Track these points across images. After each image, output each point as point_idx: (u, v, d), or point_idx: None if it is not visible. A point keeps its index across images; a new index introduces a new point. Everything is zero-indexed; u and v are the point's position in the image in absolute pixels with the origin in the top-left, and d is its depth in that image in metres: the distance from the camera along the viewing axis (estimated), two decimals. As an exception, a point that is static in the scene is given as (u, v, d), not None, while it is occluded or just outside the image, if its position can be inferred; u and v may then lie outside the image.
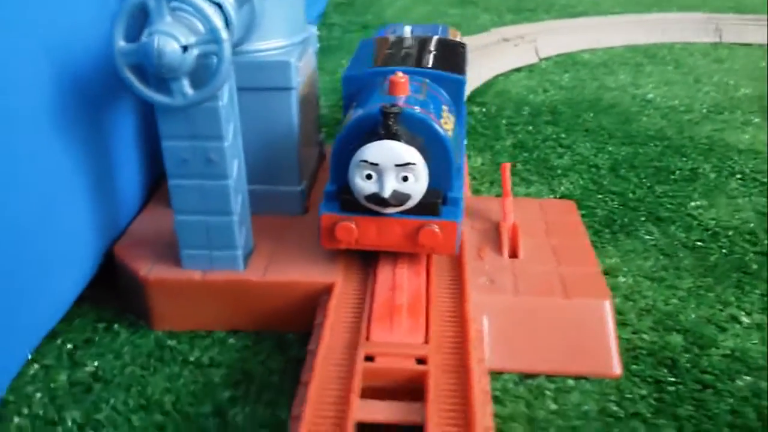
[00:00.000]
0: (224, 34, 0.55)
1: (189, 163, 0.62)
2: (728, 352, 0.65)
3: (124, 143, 0.74)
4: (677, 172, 1.00)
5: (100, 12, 0.67)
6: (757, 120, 1.19)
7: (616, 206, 0.90)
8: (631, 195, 0.93)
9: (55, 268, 0.63)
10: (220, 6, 0.60)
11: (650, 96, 1.30)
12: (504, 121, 1.17)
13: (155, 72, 0.55)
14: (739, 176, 0.99)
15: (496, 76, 1.40)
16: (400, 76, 0.63)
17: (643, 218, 0.87)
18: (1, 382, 0.58)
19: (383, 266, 0.66)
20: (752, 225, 0.86)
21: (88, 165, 0.66)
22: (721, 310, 0.70)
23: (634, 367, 0.63)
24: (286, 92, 0.71)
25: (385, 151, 0.59)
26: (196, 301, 0.66)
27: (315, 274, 0.66)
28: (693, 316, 0.69)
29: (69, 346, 0.65)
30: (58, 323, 0.67)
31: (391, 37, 0.79)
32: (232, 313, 0.67)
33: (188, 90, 0.57)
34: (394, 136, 0.58)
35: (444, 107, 0.66)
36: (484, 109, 1.23)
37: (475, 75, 1.39)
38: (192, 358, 0.64)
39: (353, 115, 0.63)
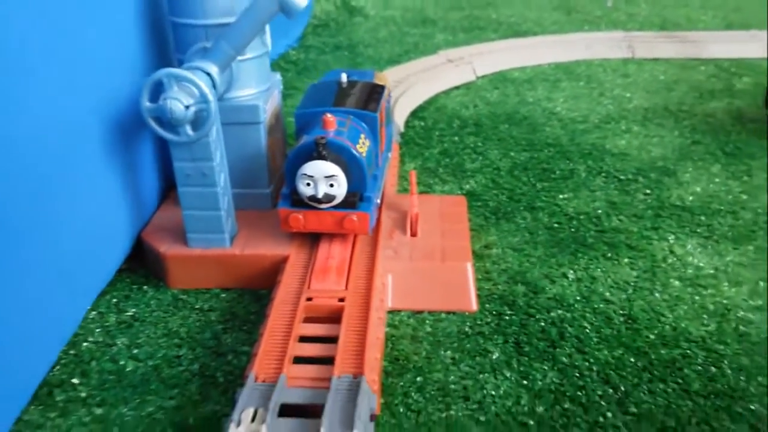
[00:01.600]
0: (211, 97, 0.87)
1: (191, 177, 0.94)
2: (551, 296, 0.97)
3: (148, 163, 1.06)
4: (558, 172, 1.32)
5: (132, 76, 0.99)
6: (636, 128, 1.51)
7: (504, 199, 1.22)
8: (517, 191, 1.25)
9: (103, 248, 0.95)
10: (209, 74, 0.92)
11: (557, 109, 1.61)
12: (436, 133, 1.49)
13: (168, 121, 0.87)
14: (604, 175, 1.31)
15: (438, 94, 1.72)
16: (329, 117, 0.95)
17: (521, 208, 1.19)
18: (73, 322, 0.90)
19: (322, 243, 0.99)
20: (600, 211, 1.18)
21: (125, 177, 0.98)
22: (556, 270, 1.02)
23: (487, 305, 0.95)
24: (256, 125, 1.04)
25: (317, 167, 0.91)
26: (198, 269, 0.99)
27: (277, 249, 0.98)
28: (536, 273, 1.01)
29: (114, 300, 0.97)
30: (106, 286, 0.99)
31: (331, 83, 1.10)
32: (223, 276, 0.99)
33: (190, 132, 0.89)
34: (322, 157, 0.90)
35: (362, 135, 0.98)
36: (422, 123, 1.55)
37: (422, 92, 1.71)
38: (197, 306, 0.96)
39: (298, 142, 0.95)
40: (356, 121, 1.00)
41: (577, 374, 0.83)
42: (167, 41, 1.11)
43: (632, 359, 0.85)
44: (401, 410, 0.78)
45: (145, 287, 1.00)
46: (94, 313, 0.95)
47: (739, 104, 1.63)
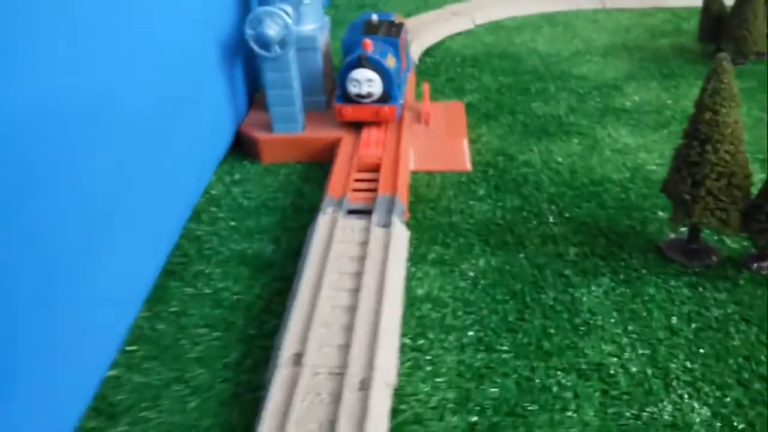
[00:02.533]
0: (292, 25, 1.31)
1: (276, 83, 1.39)
2: (521, 161, 1.41)
3: (240, 78, 1.51)
4: (533, 89, 1.76)
5: (231, 18, 1.43)
6: (596, 59, 1.94)
7: (492, 107, 1.66)
8: (502, 102, 1.69)
9: (219, 135, 1.40)
10: (287, 12, 1.36)
11: (538, 47, 2.04)
12: (443, 66, 1.93)
13: (264, 43, 1.32)
14: (567, 90, 1.75)
15: (444, 38, 2.15)
16: (368, 41, 1.39)
17: (505, 112, 1.64)
18: (207, 179, 1.36)
19: (364, 129, 1.44)
20: (561, 113, 1.62)
21: (230, 87, 1.43)
22: (525, 147, 1.47)
23: (477, 167, 1.40)
24: (314, 50, 1.48)
25: (361, 73, 1.36)
26: (281, 148, 1.44)
27: (333, 133, 1.44)
28: (511, 150, 1.46)
29: (226, 169, 1.43)
30: (220, 162, 1.44)
31: (366, 21, 1.54)
32: (297, 153, 1.45)
33: (278, 50, 1.34)
34: (364, 66, 1.36)
35: (388, 54, 1.42)
36: (432, 59, 1.99)
37: (431, 37, 2.14)
38: (281, 174, 1.42)
39: (346, 59, 1.39)
40: (384, 44, 1.45)
41: (533, 200, 1.28)
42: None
43: (570, 192, 1.30)
44: (420, 218, 1.24)
45: (244, 162, 1.46)
46: (214, 177, 1.41)
47: (682, 41, 2.05)
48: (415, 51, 2.00)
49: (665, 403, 0.84)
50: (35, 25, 0.77)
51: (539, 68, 1.89)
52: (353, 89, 1.37)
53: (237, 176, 1.41)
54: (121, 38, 0.98)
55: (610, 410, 0.84)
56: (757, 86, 1.72)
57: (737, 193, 1.02)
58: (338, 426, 0.78)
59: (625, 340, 0.94)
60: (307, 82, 1.51)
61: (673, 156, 1.07)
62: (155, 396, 0.89)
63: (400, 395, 0.87)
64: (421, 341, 0.96)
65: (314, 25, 1.49)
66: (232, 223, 1.25)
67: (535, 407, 0.85)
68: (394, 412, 0.84)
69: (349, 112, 1.40)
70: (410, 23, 2.21)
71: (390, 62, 1.40)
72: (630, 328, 0.96)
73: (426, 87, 1.54)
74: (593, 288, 1.04)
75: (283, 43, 1.34)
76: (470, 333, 0.97)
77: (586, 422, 0.82)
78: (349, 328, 0.93)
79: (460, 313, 1.01)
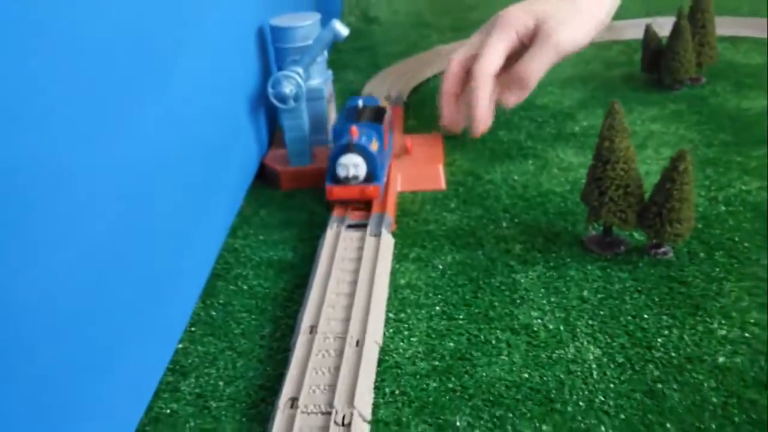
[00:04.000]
0: (302, 84, 1.70)
1: (292, 128, 1.77)
2: (486, 180, 1.78)
3: (263, 122, 1.90)
4: (501, 120, 2.12)
5: (253, 77, 1.83)
6: (556, 90, 2.30)
7: (466, 136, 2.03)
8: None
9: (250, 169, 1.79)
10: (299, 74, 1.74)
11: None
12: (428, 101, 2.31)
13: (282, 98, 1.71)
14: (528, 120, 2.11)
15: (430, 77, 2.53)
16: (354, 129, 1.53)
17: (476, 141, 2.00)
18: (238, 204, 1.74)
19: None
20: (521, 138, 1.98)
21: (256, 130, 1.82)
22: (491, 168, 1.83)
23: (451, 186, 1.77)
24: (320, 100, 1.87)
25: (348, 159, 1.52)
26: (296, 178, 1.82)
27: (337, 164, 1.82)
28: (479, 170, 1.83)
29: (254, 194, 1.81)
30: (249, 189, 1.82)
31: (353, 107, 1.73)
32: (309, 180, 1.83)
33: (292, 103, 1.72)
34: (350, 152, 1.52)
35: (373, 138, 1.56)
36: (419, 96, 2.36)
37: (419, 76, 2.52)
38: (296, 198, 1.80)
39: (336, 144, 1.57)
40: (369, 130, 1.61)
41: (492, 210, 1.65)
42: (268, 56, 1.96)
43: (521, 202, 1.67)
44: (404, 228, 1.61)
45: (267, 189, 1.84)
46: (245, 202, 1.79)
47: (631, 71, 2.41)
48: (405, 88, 2.38)
49: (570, 347, 1.20)
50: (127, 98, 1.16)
51: (508, 100, 2.26)
52: (341, 173, 1.55)
53: (263, 200, 1.79)
54: (178, 103, 1.37)
55: (531, 354, 1.20)
56: (686, 108, 2.08)
57: (632, 199, 1.38)
58: (341, 369, 1.15)
59: (547, 307, 1.30)
60: (314, 123, 1.89)
61: (587, 173, 1.43)
62: (213, 359, 1.26)
63: (384, 350, 1.23)
64: (402, 315, 1.32)
65: (320, 80, 1.88)
66: (261, 237, 1.63)
67: (479, 354, 1.21)
68: (380, 361, 1.21)
69: (338, 192, 1.58)
70: (401, 64, 2.60)
71: (373, 146, 1.57)
72: (552, 299, 1.32)
73: (403, 138, 1.92)
74: (530, 273, 1.40)
75: (296, 98, 1.73)
76: (437, 308, 1.33)
77: (514, 362, 1.18)
78: (349, 307, 1.30)
79: (430, 294, 1.37)
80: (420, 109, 2.25)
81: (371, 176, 1.57)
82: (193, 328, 1.35)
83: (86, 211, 0.99)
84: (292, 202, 1.78)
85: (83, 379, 0.96)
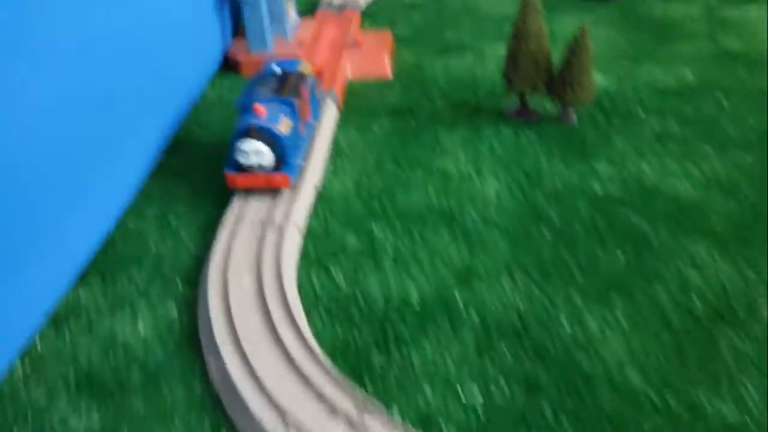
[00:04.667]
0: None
1: (251, 17, 1.96)
2: (428, 70, 1.98)
3: (228, 12, 2.08)
4: (450, 23, 2.31)
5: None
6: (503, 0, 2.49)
7: (415, 36, 2.22)
8: (424, 33, 2.25)
9: (212, 57, 1.98)
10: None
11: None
12: (386, 10, 2.49)
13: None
14: (474, 24, 2.30)
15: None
16: (259, 106, 1.33)
17: (424, 40, 2.19)
18: (204, 83, 1.94)
19: (317, 52, 2.01)
20: (465, 38, 2.18)
21: (220, 18, 2.01)
22: (433, 61, 2.03)
23: (397, 75, 1.96)
24: (280, -4, 2.05)
25: (248, 145, 1.30)
26: (257, 65, 2.01)
27: (293, 51, 2.01)
28: (423, 64, 2.03)
29: (218, 80, 2.01)
30: (215, 75, 2.02)
31: (263, 77, 1.48)
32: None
33: (251, -6, 1.91)
34: (252, 137, 1.29)
35: (281, 117, 1.34)
36: (377, 6, 2.54)
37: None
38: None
39: (238, 122, 1.35)
40: (280, 105, 1.36)
41: (429, 92, 1.86)
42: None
43: (456, 87, 1.87)
44: (351, 106, 1.81)
45: (231, 76, 2.03)
46: (211, 84, 1.98)
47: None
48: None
49: (475, 183, 1.43)
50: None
51: (459, 9, 2.45)
52: (242, 160, 1.31)
53: (226, 83, 1.99)
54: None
55: (442, 188, 1.43)
56: (618, 15, 2.29)
57: (541, 72, 1.60)
58: (282, 198, 1.37)
59: (462, 157, 1.53)
60: (273, 14, 2.07)
61: (507, 51, 1.64)
62: (174, 193, 1.48)
63: (324, 192, 1.45)
64: (339, 164, 1.54)
65: None
66: (224, 111, 1.83)
67: (400, 188, 1.43)
68: (316, 208, 1.43)
69: (241, 180, 1.34)
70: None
71: (283, 127, 1.34)
72: (468, 151, 1.55)
73: (357, 18, 2.11)
74: (452, 135, 1.63)
75: (254, -12, 1.91)
76: (370, 159, 1.55)
77: (428, 194, 1.41)
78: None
79: (366, 150, 1.59)
80: (378, 15, 2.44)
81: (280, 162, 1.33)
82: (157, 174, 1.56)
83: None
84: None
85: (71, 193, 1.20)
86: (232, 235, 1.28)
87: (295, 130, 1.39)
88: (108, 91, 1.37)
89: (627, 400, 0.94)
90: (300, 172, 1.41)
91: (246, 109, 1.38)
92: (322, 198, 1.43)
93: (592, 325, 1.07)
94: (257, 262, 1.22)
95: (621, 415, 0.92)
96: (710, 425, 0.90)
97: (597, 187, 1.39)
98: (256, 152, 1.30)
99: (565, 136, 1.58)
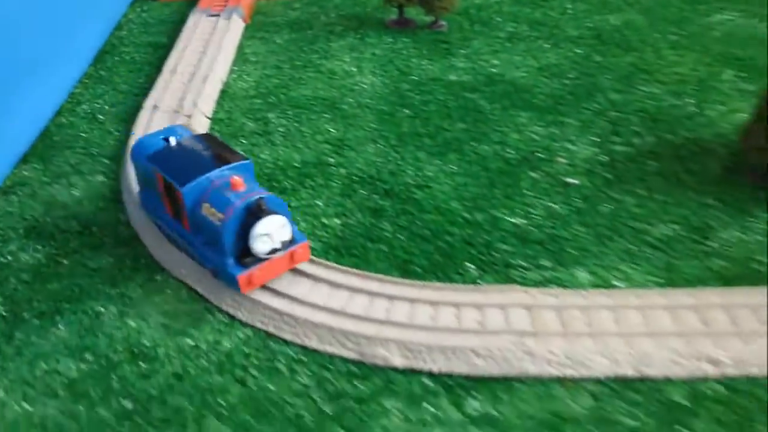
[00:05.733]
0: None
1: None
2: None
3: None
4: None
5: None
6: None
7: None
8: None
9: None
10: None
11: None
12: None
13: None
14: None
15: None
16: (237, 178, 1.03)
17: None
18: (122, 12, 2.15)
19: (226, -25, 2.24)
20: None
21: None
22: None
23: (298, -5, 2.22)
24: None
25: (272, 223, 1.01)
26: (173, -10, 2.23)
27: (206, -21, 2.24)
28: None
29: (138, 6, 2.22)
30: (133, 3, 2.23)
31: (162, 149, 1.13)
32: (184, -7, 2.24)
33: None
34: (268, 213, 1.00)
35: (252, 181, 1.11)
36: None
37: None
38: (173, 6, 2.21)
39: (227, 215, 1.01)
40: (241, 172, 1.09)
41: (326, 9, 2.11)
42: None
43: (349, 3, 2.14)
44: (256, 21, 2.06)
45: (150, 2, 2.24)
46: (130, 9, 2.19)
47: None
48: None
49: (356, 78, 1.72)
50: None
51: None
52: (264, 247, 1.03)
53: (145, 6, 2.21)
54: None
55: (328, 83, 1.71)
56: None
57: (415, -15, 1.88)
58: (191, 89, 1.63)
59: (347, 59, 1.82)
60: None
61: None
62: (102, 95, 1.72)
63: (229, 90, 1.72)
64: (244, 68, 1.81)
65: None
66: (143, 29, 2.06)
67: (293, 84, 1.72)
68: (222, 93, 1.69)
69: (261, 275, 1.05)
70: None
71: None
72: (354, 54, 1.83)
73: None
74: (341, 42, 1.91)
75: None
76: (271, 64, 1.82)
77: (317, 87, 1.70)
78: (192, 77, 1.76)
79: (268, 56, 1.85)
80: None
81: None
82: (86, 80, 1.80)
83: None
84: (170, 9, 2.20)
85: (11, 92, 1.47)
86: (149, 122, 1.55)
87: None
88: (44, 6, 1.60)
89: (447, 218, 1.26)
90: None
91: (195, 192, 1.07)
92: (227, 95, 1.70)
93: (430, 172, 1.38)
94: (170, 141, 1.50)
95: (440, 226, 1.24)
96: (502, 229, 1.23)
97: (453, 78, 1.69)
98: (280, 227, 1.04)
99: (434, 40, 1.88)
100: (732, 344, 0.95)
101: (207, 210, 1.04)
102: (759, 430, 0.89)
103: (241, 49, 1.90)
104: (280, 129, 1.56)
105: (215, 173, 1.07)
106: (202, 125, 1.56)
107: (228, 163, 1.10)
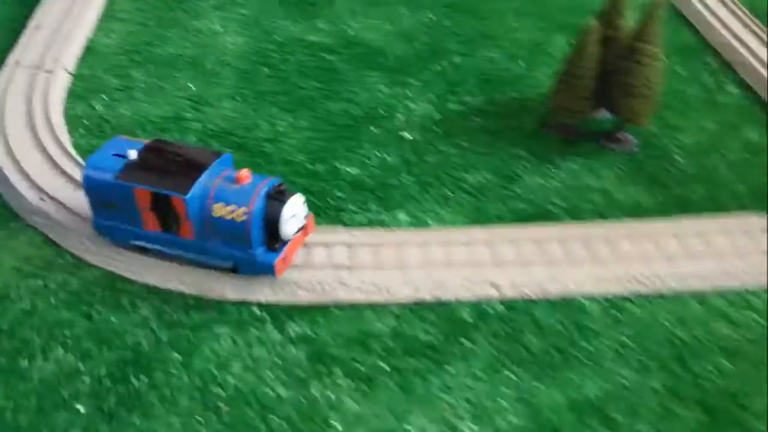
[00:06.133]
0: None
1: None
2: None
3: None
4: None
5: None
6: None
7: None
8: None
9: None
10: None
11: None
12: None
13: None
14: None
15: None
16: (244, 172, 1.07)
17: None
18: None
19: None
20: None
21: None
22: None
23: None
24: None
25: (296, 203, 1.09)
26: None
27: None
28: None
29: None
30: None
31: (129, 164, 1.10)
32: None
33: None
34: (289, 197, 1.08)
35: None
36: None
37: None
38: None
39: (250, 209, 1.03)
40: (227, 166, 1.13)
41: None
42: None
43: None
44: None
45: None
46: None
47: None
48: None
49: (221, 36, 1.80)
50: None
51: None
52: (292, 228, 1.09)
53: None
54: None
55: (195, 41, 1.77)
56: None
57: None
58: (54, 42, 1.67)
59: (215, 20, 1.88)
60: None
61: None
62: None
63: (93, 47, 1.75)
64: (111, 25, 1.84)
65: None
66: None
67: (158, 42, 1.77)
68: (87, 50, 1.73)
69: (290, 254, 1.11)
70: None
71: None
72: (221, 14, 1.91)
73: None
74: (211, 2, 1.96)
75: None
76: (138, 21, 1.87)
77: (184, 46, 1.76)
78: (56, 33, 1.78)
79: (135, 15, 1.90)
80: None
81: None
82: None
83: None
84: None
85: None
86: (11, 76, 1.58)
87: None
88: None
89: (292, 169, 1.39)
90: None
91: (202, 197, 1.07)
92: (92, 51, 1.74)
93: (281, 128, 1.50)
94: (29, 95, 1.54)
95: (285, 177, 1.36)
96: (340, 178, 1.37)
97: (313, 39, 1.80)
98: (301, 204, 1.11)
99: (301, 1, 1.97)
100: (512, 271, 1.14)
101: (221, 209, 1.05)
102: (527, 339, 1.08)
103: (110, 5, 1.93)
104: (142, 85, 1.62)
105: (209, 173, 1.08)
106: (63, 81, 1.60)
107: (210, 161, 1.09)
